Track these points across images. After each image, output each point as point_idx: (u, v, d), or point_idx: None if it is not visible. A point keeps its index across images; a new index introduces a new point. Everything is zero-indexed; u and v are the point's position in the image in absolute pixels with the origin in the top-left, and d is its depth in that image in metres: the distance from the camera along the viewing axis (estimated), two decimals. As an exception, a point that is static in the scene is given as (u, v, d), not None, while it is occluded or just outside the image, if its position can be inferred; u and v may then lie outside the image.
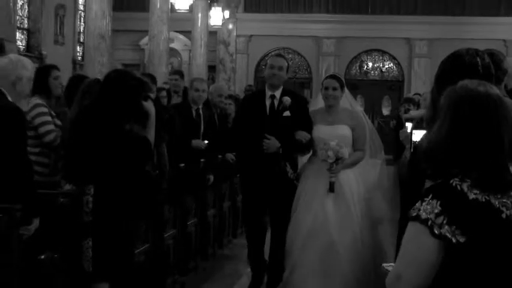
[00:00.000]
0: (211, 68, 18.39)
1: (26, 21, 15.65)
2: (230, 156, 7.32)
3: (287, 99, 5.18)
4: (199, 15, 16.66)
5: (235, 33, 19.08)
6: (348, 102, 5.37)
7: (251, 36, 19.72)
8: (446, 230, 1.82)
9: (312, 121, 5.20)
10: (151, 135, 4.24)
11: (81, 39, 17.20)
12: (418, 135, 3.14)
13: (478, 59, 2.74)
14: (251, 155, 5.23)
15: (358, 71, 20.11)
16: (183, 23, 16.92)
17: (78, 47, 17.60)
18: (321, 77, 16.73)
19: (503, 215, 1.85)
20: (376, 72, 20.11)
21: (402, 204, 4.52)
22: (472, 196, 1.85)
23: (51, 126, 4.95)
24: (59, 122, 5.06)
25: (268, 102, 5.26)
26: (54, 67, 5.39)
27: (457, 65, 2.72)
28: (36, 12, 15.73)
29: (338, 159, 4.91)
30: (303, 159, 5.40)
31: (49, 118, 4.97)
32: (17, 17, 13.93)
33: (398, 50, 19.47)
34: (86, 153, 4.08)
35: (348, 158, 4.99)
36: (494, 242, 1.84)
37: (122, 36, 18.15)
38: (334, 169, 4.92)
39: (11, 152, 3.66)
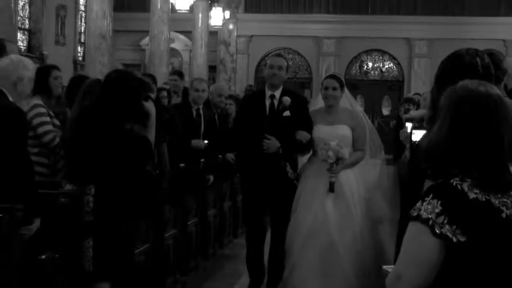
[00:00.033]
0: (212, 68, 18.40)
1: (27, 21, 15.66)
2: (230, 156, 7.33)
3: (287, 99, 5.18)
4: (200, 15, 16.67)
5: (235, 34, 19.09)
6: (348, 102, 5.37)
7: (251, 36, 19.72)
8: (447, 230, 1.83)
9: (312, 121, 5.21)
10: (151, 135, 4.25)
11: (82, 40, 17.22)
12: (418, 135, 3.15)
13: (478, 59, 2.75)
14: (251, 155, 5.23)
15: (358, 71, 20.11)
16: (183, 23, 16.93)
17: (79, 47, 17.61)
18: (321, 77, 16.73)
19: (503, 215, 1.86)
20: (376, 72, 20.11)
21: (402, 204, 4.54)
22: (472, 196, 1.86)
23: (49, 127, 4.96)
24: (57, 122, 5.07)
25: (268, 102, 5.26)
26: (54, 67, 5.40)
27: (457, 65, 2.72)
28: (37, 12, 15.75)
29: (338, 159, 4.91)
30: (303, 159, 5.40)
31: (47, 119, 4.98)
32: (18, 18, 13.97)
33: (398, 50, 19.48)
34: (86, 153, 4.09)
35: (348, 158, 4.99)
36: (495, 241, 1.85)
37: (122, 36, 18.16)
38: (335, 169, 4.93)
39: (11, 152, 3.66)
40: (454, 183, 1.87)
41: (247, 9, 19.83)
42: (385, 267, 2.33)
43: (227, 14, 18.10)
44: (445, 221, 1.83)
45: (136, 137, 4.14)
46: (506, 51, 17.78)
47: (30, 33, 15.72)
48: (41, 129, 4.92)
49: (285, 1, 19.76)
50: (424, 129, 2.97)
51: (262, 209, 5.29)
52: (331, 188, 4.91)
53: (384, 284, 1.96)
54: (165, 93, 7.59)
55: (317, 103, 5.52)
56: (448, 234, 1.83)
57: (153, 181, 4.98)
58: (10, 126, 3.67)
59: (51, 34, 16.19)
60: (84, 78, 5.15)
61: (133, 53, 19.56)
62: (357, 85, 18.86)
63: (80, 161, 4.14)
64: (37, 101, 4.98)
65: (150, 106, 4.28)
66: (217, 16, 17.43)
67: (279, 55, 5.72)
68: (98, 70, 10.74)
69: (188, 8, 14.98)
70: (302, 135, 5.10)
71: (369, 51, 19.91)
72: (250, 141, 5.19)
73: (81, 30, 17.62)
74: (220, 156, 7.26)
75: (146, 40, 16.62)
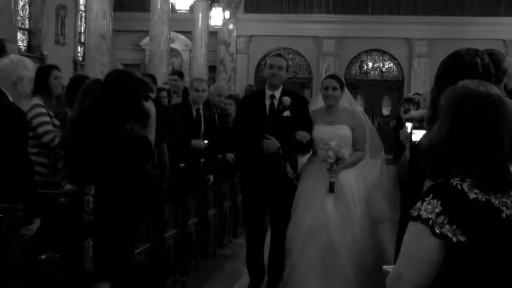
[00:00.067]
0: (212, 68, 18.40)
1: (27, 21, 15.66)
2: (231, 156, 7.33)
3: (287, 99, 5.18)
4: (200, 15, 16.67)
5: (235, 34, 19.09)
6: (348, 102, 5.37)
7: (251, 36, 19.73)
8: (447, 230, 1.83)
9: (312, 121, 5.21)
10: (151, 135, 4.25)
11: (82, 40, 17.23)
12: (418, 135, 3.15)
13: (478, 59, 2.75)
14: (251, 155, 5.23)
15: (358, 71, 20.11)
16: (183, 23, 16.93)
17: (79, 47, 17.62)
18: (321, 77, 16.74)
19: (503, 215, 1.86)
20: (376, 72, 20.12)
21: (402, 204, 4.54)
22: (472, 196, 1.86)
23: (49, 127, 4.96)
24: (57, 122, 5.08)
25: (268, 102, 5.26)
26: (54, 67, 5.40)
27: (457, 65, 2.72)
28: (37, 12, 15.75)
29: (338, 159, 4.92)
30: (303, 159, 5.40)
31: (47, 119, 4.98)
32: (18, 18, 13.97)
33: (398, 50, 19.48)
34: (86, 153, 4.09)
35: (348, 158, 4.99)
36: (495, 241, 1.85)
37: (122, 36, 18.16)
38: (335, 169, 4.93)
39: (11, 152, 3.66)
40: (454, 183, 1.88)
41: (247, 9, 19.83)
42: (385, 267, 2.33)
43: (227, 14, 18.10)
44: (445, 221, 1.83)
45: (136, 137, 4.14)
46: (506, 51, 17.78)
47: (30, 33, 15.72)
48: (40, 129, 4.92)
49: (285, 1, 19.76)
50: (424, 129, 2.97)
51: (262, 209, 5.30)
52: (331, 188, 4.92)
53: (384, 284, 1.96)
54: (165, 93, 7.60)
55: (317, 103, 5.52)
56: (448, 234, 1.83)
57: (153, 181, 4.98)
58: (10, 126, 3.68)
59: (51, 34, 16.19)
60: (84, 78, 5.15)
61: (134, 53, 19.56)
62: (357, 85, 18.86)
63: (80, 161, 4.14)
64: (37, 101, 4.98)
65: (150, 106, 4.28)
66: (217, 16, 17.43)
67: (278, 55, 5.72)
68: (98, 70, 10.74)
69: (188, 8, 14.99)
70: (302, 135, 5.10)
71: (369, 51, 19.91)
72: (250, 141, 5.19)
73: (81, 30, 17.63)
74: (220, 156, 7.26)
75: (146, 40, 16.63)
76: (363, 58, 20.04)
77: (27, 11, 15.67)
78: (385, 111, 19.69)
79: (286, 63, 5.33)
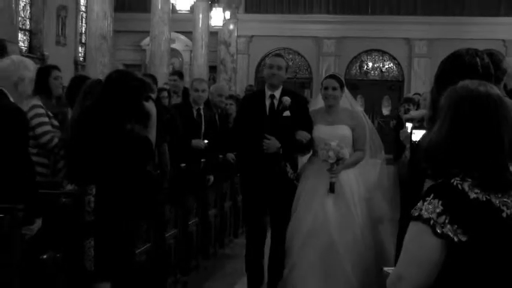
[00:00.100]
0: (212, 69, 18.41)
1: (28, 22, 15.67)
2: (231, 156, 7.33)
3: (287, 99, 5.18)
4: (200, 15, 16.68)
5: (236, 34, 19.10)
6: (348, 102, 5.37)
7: (252, 36, 19.73)
8: (448, 229, 1.83)
9: (312, 121, 5.21)
10: (152, 135, 4.25)
11: (83, 40, 17.24)
12: (418, 135, 3.16)
13: (478, 59, 2.75)
14: (251, 155, 5.24)
15: (358, 71, 20.12)
16: (184, 24, 16.93)
17: (79, 48, 17.63)
18: (321, 77, 16.72)
19: (504, 214, 1.87)
20: (376, 72, 20.12)
21: (402, 204, 4.54)
22: (473, 195, 1.86)
23: (47, 127, 4.96)
24: (56, 123, 5.08)
25: (268, 102, 5.26)
26: (54, 67, 5.41)
27: (457, 65, 2.73)
28: (38, 13, 15.75)
29: (339, 159, 4.92)
30: (303, 159, 5.40)
31: (46, 119, 4.99)
32: (19, 18, 13.95)
33: (398, 50, 19.48)
34: (87, 154, 4.10)
35: (348, 158, 5.00)
36: (495, 241, 1.85)
37: (123, 36, 18.16)
38: (335, 169, 4.93)
39: (12, 152, 3.67)
40: (455, 183, 1.88)
41: (247, 10, 19.84)
42: (385, 268, 2.33)
43: (227, 14, 18.11)
44: (446, 221, 1.84)
45: (137, 137, 4.15)
46: (506, 51, 17.79)
47: (31, 33, 15.73)
48: (39, 130, 4.92)
49: (285, 1, 19.76)
50: (424, 129, 2.97)
51: (263, 209, 5.30)
52: (332, 189, 4.92)
53: (384, 285, 1.96)
54: (165, 94, 7.61)
55: (317, 103, 5.52)
56: (449, 233, 1.83)
57: (154, 181, 4.99)
58: (11, 127, 3.68)
59: (52, 35, 16.19)
60: (84, 79, 5.16)
61: (134, 54, 19.57)
62: (357, 85, 18.86)
63: (81, 161, 4.15)
64: (36, 101, 4.98)
65: (150, 106, 4.29)
66: (218, 16, 17.44)
67: (278, 55, 5.72)
68: (98, 70, 10.75)
69: (189, 9, 15.00)
70: (302, 135, 5.10)
71: (369, 51, 19.92)
72: (251, 141, 5.19)
73: (81, 30, 17.64)
74: (220, 156, 7.27)
75: (147, 40, 16.63)
76: (363, 58, 20.04)
77: (28, 11, 15.68)
78: (385, 111, 19.69)
79: (285, 63, 5.33)
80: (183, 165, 6.19)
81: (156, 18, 13.94)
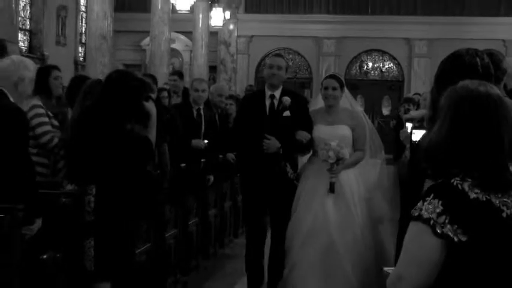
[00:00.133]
0: (212, 69, 18.41)
1: (28, 22, 15.67)
2: (231, 156, 7.34)
3: (287, 99, 5.18)
4: (200, 15, 16.68)
5: (236, 34, 19.10)
6: (348, 102, 5.37)
7: (252, 36, 19.74)
8: (448, 229, 1.84)
9: (312, 121, 5.21)
10: (152, 135, 4.26)
11: (83, 40, 17.24)
12: (418, 135, 3.16)
13: (478, 59, 2.75)
14: (251, 155, 5.24)
15: (358, 71, 20.12)
16: (184, 24, 16.94)
17: (79, 48, 17.63)
18: (321, 77, 16.73)
19: (504, 214, 1.87)
20: (376, 72, 20.12)
21: (402, 204, 4.54)
22: (473, 195, 1.87)
23: (47, 127, 4.96)
24: (56, 123, 5.08)
25: (268, 102, 5.26)
26: (54, 67, 5.41)
27: (457, 65, 2.73)
28: (38, 13, 15.75)
29: (339, 159, 4.92)
30: (303, 159, 5.40)
31: (46, 119, 4.99)
32: (19, 18, 13.96)
33: (398, 50, 19.49)
34: (87, 154, 4.10)
35: (348, 158, 5.00)
36: (495, 241, 1.85)
37: (123, 36, 18.16)
38: (335, 170, 4.93)
39: (12, 153, 3.67)
40: (455, 183, 1.88)
41: (247, 10, 19.84)
42: (385, 269, 2.33)
43: (227, 14, 18.12)
44: (446, 221, 1.84)
45: (137, 137, 4.15)
46: (506, 51, 17.79)
47: (31, 33, 15.73)
48: (39, 130, 4.93)
49: (285, 1, 19.77)
50: (424, 129, 2.97)
51: (263, 209, 5.30)
52: (332, 189, 4.92)
53: (384, 285, 1.96)
54: (165, 94, 7.62)
55: (317, 103, 5.52)
56: (450, 233, 1.83)
57: (154, 181, 5.00)
58: (11, 127, 3.68)
59: (52, 35, 16.19)
60: (85, 79, 5.16)
61: (134, 54, 19.57)
62: (357, 85, 18.87)
63: (81, 161, 4.15)
64: (36, 101, 4.99)
65: (150, 106, 4.29)
66: (218, 16, 17.44)
67: (278, 55, 5.73)
68: (98, 70, 10.76)
69: (189, 9, 15.00)
70: (302, 135, 5.10)
71: (369, 51, 19.92)
72: (251, 141, 5.19)
73: (81, 30, 17.65)
74: (220, 156, 7.27)
75: (147, 40, 16.63)
76: (363, 58, 20.05)
77: (28, 11, 15.68)
78: (385, 111, 19.70)
79: (285, 63, 5.33)
80: (183, 165, 6.19)
81: (156, 18, 13.95)
